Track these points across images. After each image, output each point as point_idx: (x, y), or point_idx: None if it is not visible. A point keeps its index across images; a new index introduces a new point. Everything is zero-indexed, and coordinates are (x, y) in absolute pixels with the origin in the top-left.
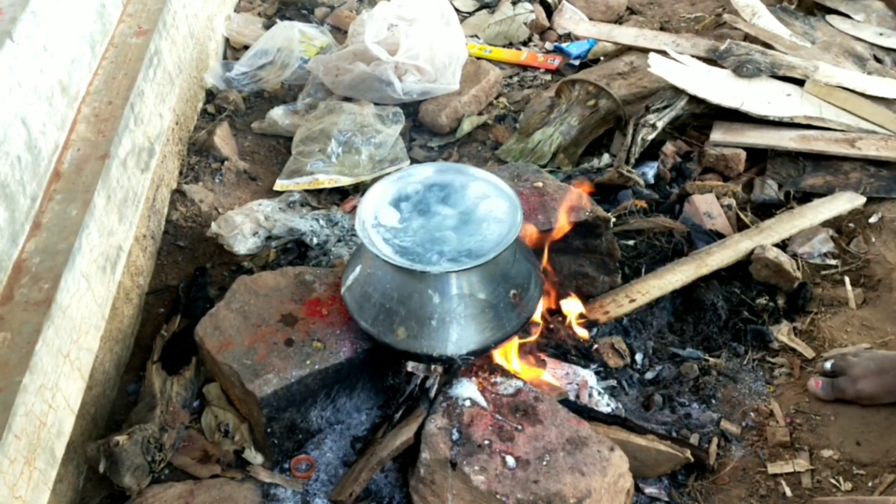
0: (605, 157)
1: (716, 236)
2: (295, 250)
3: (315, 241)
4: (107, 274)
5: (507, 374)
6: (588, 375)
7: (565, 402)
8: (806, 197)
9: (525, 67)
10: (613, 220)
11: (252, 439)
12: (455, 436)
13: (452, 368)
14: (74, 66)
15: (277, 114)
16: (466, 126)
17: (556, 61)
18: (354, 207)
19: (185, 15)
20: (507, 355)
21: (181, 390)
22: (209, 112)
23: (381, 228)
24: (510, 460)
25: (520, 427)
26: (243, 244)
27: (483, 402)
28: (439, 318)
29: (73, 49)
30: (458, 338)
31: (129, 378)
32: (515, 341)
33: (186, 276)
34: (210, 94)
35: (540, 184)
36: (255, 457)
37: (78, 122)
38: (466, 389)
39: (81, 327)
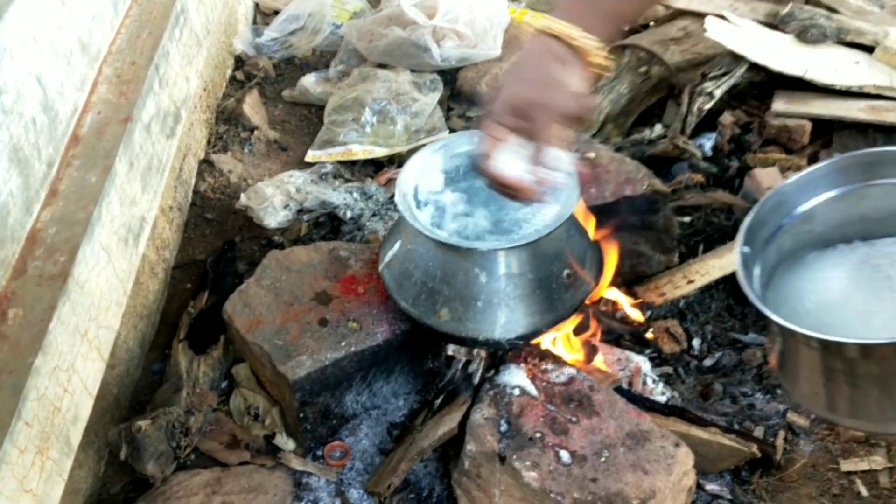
0: (658, 128)
1: None
2: (327, 224)
3: (349, 214)
4: (129, 246)
5: (558, 360)
6: (642, 362)
7: (619, 390)
8: None
9: None
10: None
11: (283, 424)
12: (503, 427)
13: (498, 353)
14: (95, 24)
15: (309, 81)
16: None
17: None
18: (390, 180)
19: None
20: (558, 340)
21: (209, 371)
22: (238, 79)
23: (423, 201)
24: (565, 455)
25: (574, 419)
26: (274, 217)
27: (533, 391)
28: (486, 299)
29: (93, 5)
30: (507, 321)
31: (154, 357)
32: (568, 325)
33: (214, 250)
34: (239, 61)
35: (592, 154)
36: (286, 443)
37: (99, 83)
38: (515, 377)
39: (101, 303)
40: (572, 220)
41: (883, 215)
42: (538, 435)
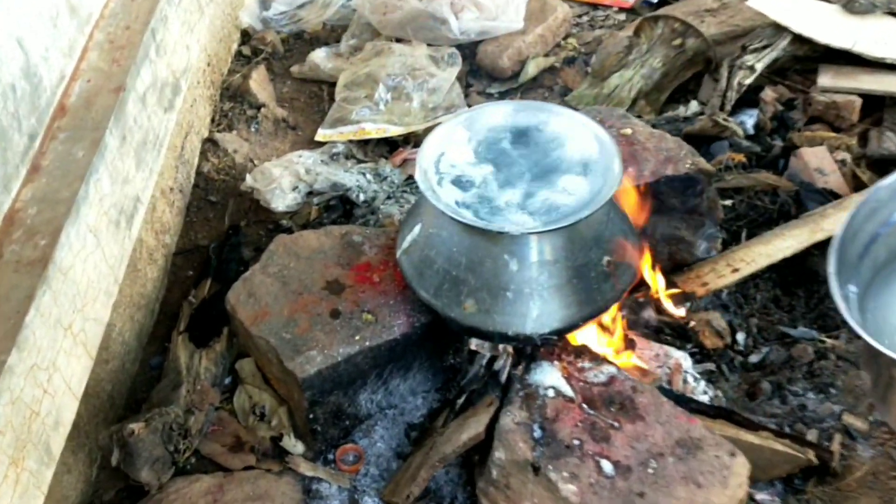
0: (693, 105)
1: (829, 196)
2: (339, 208)
3: (362, 197)
4: (121, 229)
5: (596, 357)
6: (682, 358)
7: (660, 390)
8: None
9: (595, 6)
10: None
11: (291, 425)
12: (537, 433)
13: (529, 349)
14: None
15: (319, 56)
16: (532, 69)
17: None
18: (405, 161)
19: None
20: (593, 334)
21: (211, 366)
22: (244, 54)
23: (446, 179)
24: (607, 466)
25: (616, 424)
26: (282, 200)
27: (569, 392)
28: (517, 290)
29: None
30: (540, 313)
31: (153, 350)
32: (606, 317)
33: (218, 235)
34: (245, 35)
35: (628, 130)
36: (294, 445)
37: (89, 49)
38: (549, 376)
39: (88, 293)
40: (612, 202)
41: None
42: (576, 442)
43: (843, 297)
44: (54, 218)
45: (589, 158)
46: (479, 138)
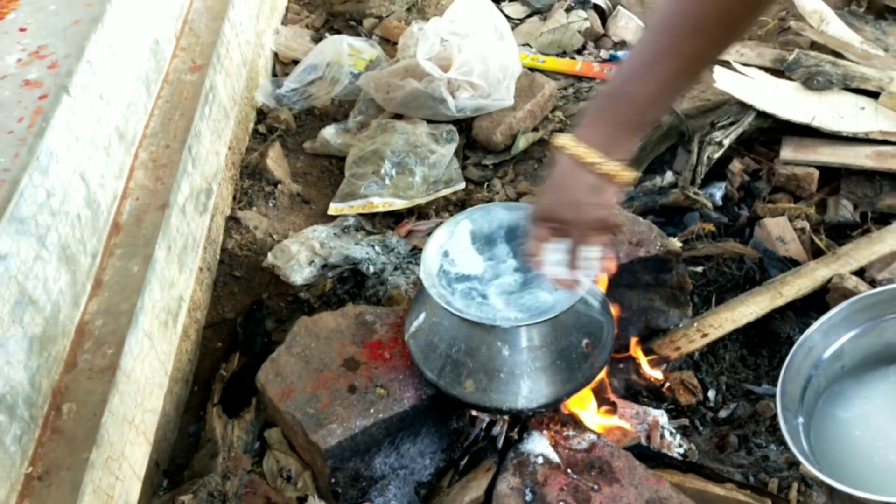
0: (668, 175)
1: (790, 263)
2: (351, 279)
3: (371, 269)
4: (168, 328)
5: (579, 426)
6: (659, 415)
7: (638, 448)
8: (883, 218)
9: (580, 78)
10: (681, 245)
11: (315, 486)
12: (528, 496)
13: (522, 421)
14: (131, 110)
15: (329, 133)
16: (522, 143)
17: (612, 71)
18: (409, 232)
19: (237, 44)
20: (578, 404)
21: (242, 434)
22: (260, 132)
23: (447, 277)
24: None
25: (596, 487)
26: (299, 274)
27: (556, 459)
28: (509, 371)
29: (128, 92)
30: (529, 391)
31: (189, 418)
32: (588, 390)
33: (243, 308)
34: (261, 113)
35: None
36: None
37: (135, 168)
38: (538, 444)
39: (145, 389)
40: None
41: None
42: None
43: (790, 430)
44: (118, 329)
45: None
46: (475, 238)
